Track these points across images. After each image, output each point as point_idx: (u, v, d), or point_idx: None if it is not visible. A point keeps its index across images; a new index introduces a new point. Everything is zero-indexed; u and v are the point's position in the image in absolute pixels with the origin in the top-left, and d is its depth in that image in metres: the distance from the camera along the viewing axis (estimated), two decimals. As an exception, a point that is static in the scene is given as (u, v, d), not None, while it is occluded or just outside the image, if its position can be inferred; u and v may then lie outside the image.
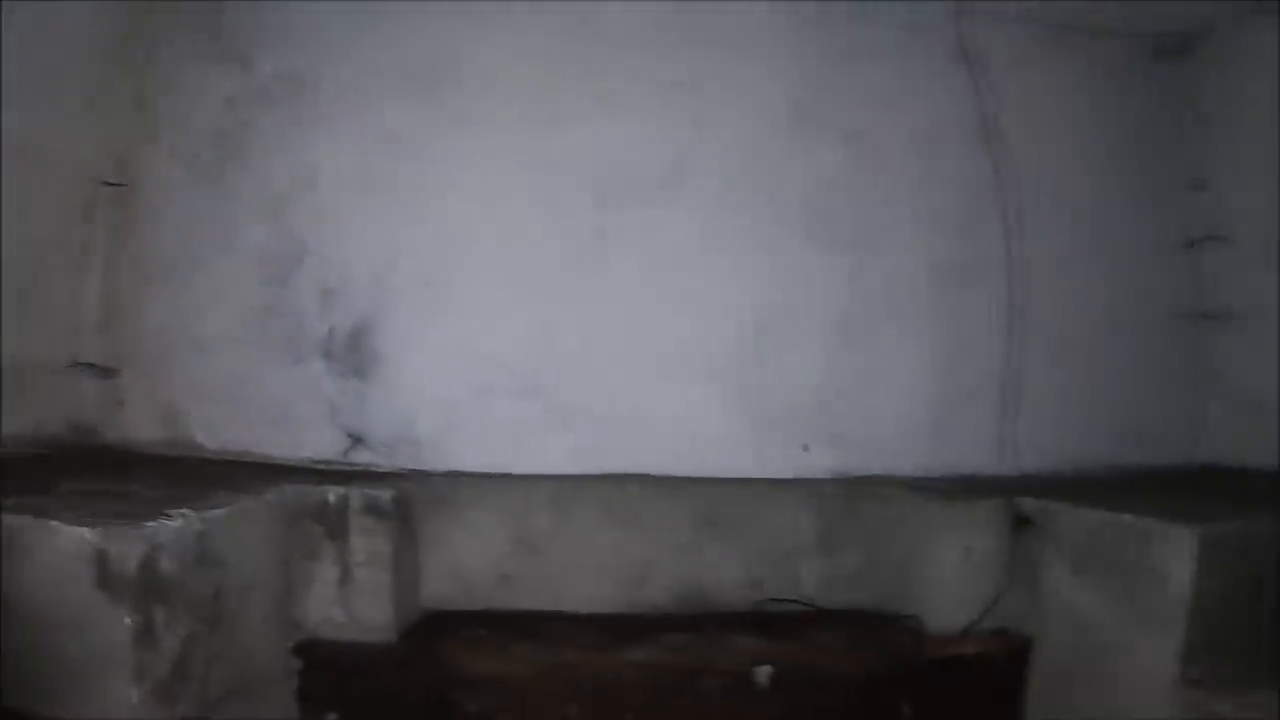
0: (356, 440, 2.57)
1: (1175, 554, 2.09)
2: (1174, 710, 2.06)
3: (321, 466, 2.54)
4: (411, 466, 2.55)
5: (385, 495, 2.33)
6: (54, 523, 1.73)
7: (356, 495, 2.32)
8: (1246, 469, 3.00)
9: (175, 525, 1.84)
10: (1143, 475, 2.95)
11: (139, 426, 2.65)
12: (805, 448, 2.68)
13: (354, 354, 2.56)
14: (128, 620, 1.72)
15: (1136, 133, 3.21)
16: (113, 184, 2.62)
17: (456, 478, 2.53)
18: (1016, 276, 2.88)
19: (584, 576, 2.55)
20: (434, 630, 2.42)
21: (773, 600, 2.58)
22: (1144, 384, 3.08)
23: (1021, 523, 2.46)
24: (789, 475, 2.65)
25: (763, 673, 2.25)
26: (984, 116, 2.87)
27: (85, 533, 1.71)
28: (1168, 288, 3.18)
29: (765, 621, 2.50)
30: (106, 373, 2.63)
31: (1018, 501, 2.50)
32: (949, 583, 2.49)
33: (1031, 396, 2.87)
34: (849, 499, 2.67)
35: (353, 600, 2.32)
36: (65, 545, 1.71)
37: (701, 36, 2.69)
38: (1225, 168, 3.18)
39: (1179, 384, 3.15)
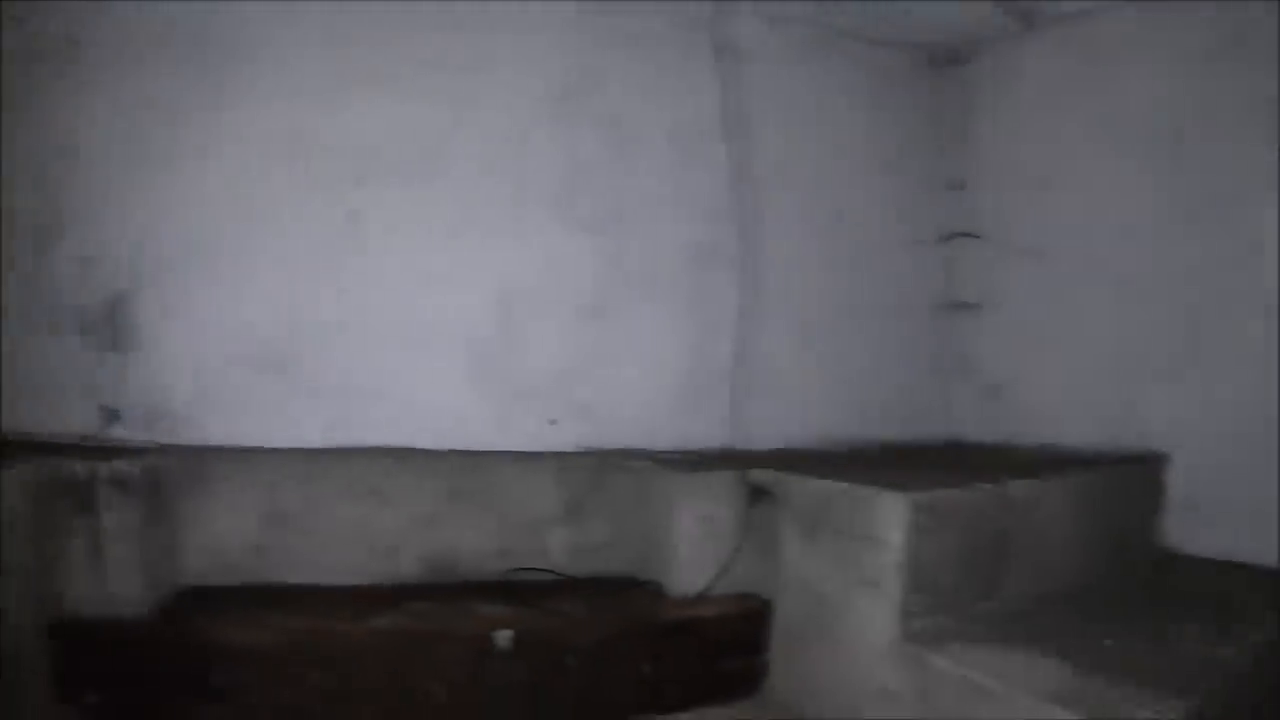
0: (114, 415, 2.52)
1: (889, 519, 2.21)
2: (895, 665, 2.17)
3: (79, 442, 2.48)
4: (168, 441, 2.52)
5: (134, 469, 2.32)
6: None
7: (105, 470, 2.29)
8: (988, 444, 3.24)
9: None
10: (892, 451, 3.14)
11: (-107, 402, 2.56)
12: (553, 422, 2.75)
13: (111, 327, 2.51)
14: None
15: (905, 135, 3.43)
16: None
17: (210, 452, 2.52)
18: (756, 264, 3.01)
19: (337, 548, 2.57)
20: (190, 604, 2.41)
21: (521, 570, 2.65)
22: (898, 367, 3.28)
23: (760, 494, 2.58)
24: (537, 448, 2.72)
25: (502, 637, 2.30)
26: (734, 111, 2.99)
27: None
28: (924, 279, 3.40)
29: (513, 590, 2.55)
30: None
31: (754, 473, 2.62)
32: (688, 550, 2.59)
33: (780, 376, 3.01)
34: (595, 471, 2.77)
35: (105, 576, 2.29)
36: None
37: (472, 18, 2.72)
38: (982, 170, 3.46)
39: (931, 368, 3.37)
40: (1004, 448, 3.20)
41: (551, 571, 2.67)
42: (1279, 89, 2.70)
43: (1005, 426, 3.32)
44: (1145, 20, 3.07)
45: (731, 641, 2.54)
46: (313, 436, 2.56)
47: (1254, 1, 2.80)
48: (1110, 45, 3.16)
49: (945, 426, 3.37)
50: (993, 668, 1.98)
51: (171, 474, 2.47)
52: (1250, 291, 2.93)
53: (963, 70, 3.54)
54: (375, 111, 2.64)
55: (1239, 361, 2.96)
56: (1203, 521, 2.99)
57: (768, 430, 2.96)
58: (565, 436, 2.75)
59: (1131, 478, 2.96)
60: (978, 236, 3.42)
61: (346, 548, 2.58)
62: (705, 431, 2.90)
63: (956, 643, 2.14)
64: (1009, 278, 3.36)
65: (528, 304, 2.76)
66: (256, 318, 2.57)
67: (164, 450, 2.49)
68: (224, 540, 2.54)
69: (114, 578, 2.29)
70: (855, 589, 2.29)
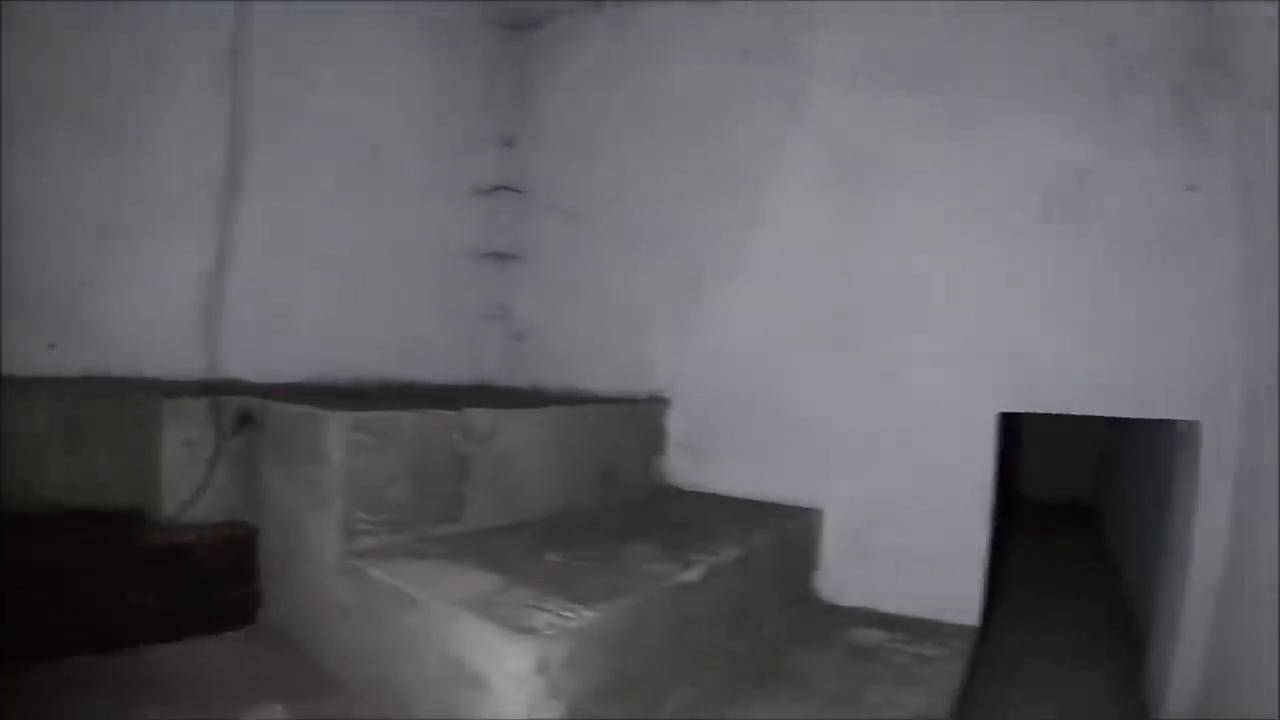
0: None
1: (332, 438, 2.33)
2: (344, 581, 2.28)
3: None
4: None
5: None
6: None
7: None
8: (514, 388, 3.49)
9: None
10: (414, 390, 3.28)
11: None
12: (52, 346, 2.69)
13: None
14: None
15: (463, 89, 3.68)
16: None
17: None
18: (281, 201, 3.09)
19: None
20: None
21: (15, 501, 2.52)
22: (432, 312, 3.51)
23: (246, 421, 2.65)
24: (35, 373, 2.64)
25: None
26: (262, 45, 3.05)
27: None
28: (465, 228, 3.65)
29: (6, 523, 2.42)
30: None
31: (238, 400, 2.68)
32: (176, 476, 2.63)
33: (302, 312, 3.11)
34: (97, 399, 2.69)
35: None
36: None
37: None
38: (533, 130, 3.77)
39: (466, 314, 3.63)
40: (525, 391, 3.42)
41: (48, 502, 2.58)
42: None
43: (534, 372, 3.57)
44: (695, 13, 3.47)
45: (224, 570, 2.59)
46: None
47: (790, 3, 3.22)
48: (663, 31, 3.52)
49: (477, 371, 3.55)
50: (423, 580, 2.11)
51: None
52: (747, 254, 3.30)
53: (530, 35, 3.82)
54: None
55: (733, 316, 3.26)
56: (700, 460, 3.24)
57: (282, 364, 3.03)
58: (66, 361, 2.70)
59: (627, 418, 3.19)
60: (521, 191, 3.67)
61: None
62: (214, 362, 2.93)
63: (402, 559, 2.26)
64: (545, 232, 3.69)
65: (32, 220, 2.66)
66: None
67: None
68: None
69: None
70: (315, 509, 2.39)
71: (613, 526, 2.75)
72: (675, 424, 3.36)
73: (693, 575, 2.33)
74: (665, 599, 2.22)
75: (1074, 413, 2.97)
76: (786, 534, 2.95)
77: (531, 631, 1.78)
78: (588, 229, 3.57)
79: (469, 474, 2.58)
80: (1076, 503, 7.72)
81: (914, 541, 3.08)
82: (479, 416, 2.62)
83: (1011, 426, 7.67)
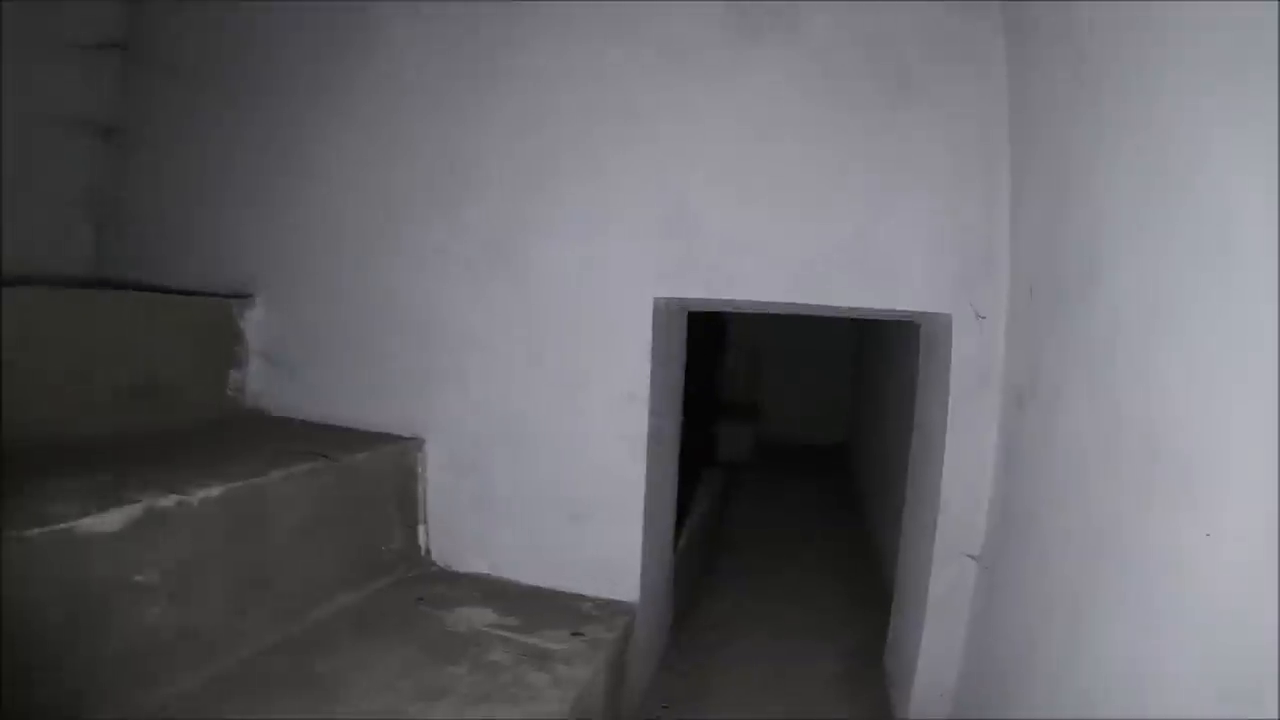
0: None
1: None
2: None
3: None
4: None
5: None
6: None
7: None
8: (129, 283, 2.76)
9: None
10: None
11: None
12: None
13: None
14: None
15: None
16: None
17: None
18: None
19: None
20: None
21: None
22: (18, 195, 2.66)
23: None
24: None
25: None
26: None
27: None
28: (61, 94, 2.81)
29: None
30: None
31: None
32: None
33: None
34: None
35: None
36: None
37: None
38: None
39: (56, 198, 2.82)
40: (122, 283, 2.67)
41: None
42: None
43: (128, 267, 2.78)
44: None
45: None
46: None
47: None
48: None
49: (71, 266, 2.80)
50: None
51: None
52: (349, 99, 2.55)
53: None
54: None
55: (329, 183, 2.47)
56: (290, 376, 2.49)
57: None
58: None
59: (174, 314, 2.42)
60: (129, 48, 2.84)
61: None
62: None
63: None
64: (152, 98, 2.85)
65: None
66: None
67: None
68: None
69: None
70: None
71: (97, 457, 1.99)
72: (261, 327, 2.55)
73: (105, 523, 1.60)
74: (35, 559, 1.49)
75: (768, 302, 2.09)
76: (349, 471, 2.18)
77: None
78: (198, 90, 2.77)
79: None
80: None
81: (548, 482, 2.27)
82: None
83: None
